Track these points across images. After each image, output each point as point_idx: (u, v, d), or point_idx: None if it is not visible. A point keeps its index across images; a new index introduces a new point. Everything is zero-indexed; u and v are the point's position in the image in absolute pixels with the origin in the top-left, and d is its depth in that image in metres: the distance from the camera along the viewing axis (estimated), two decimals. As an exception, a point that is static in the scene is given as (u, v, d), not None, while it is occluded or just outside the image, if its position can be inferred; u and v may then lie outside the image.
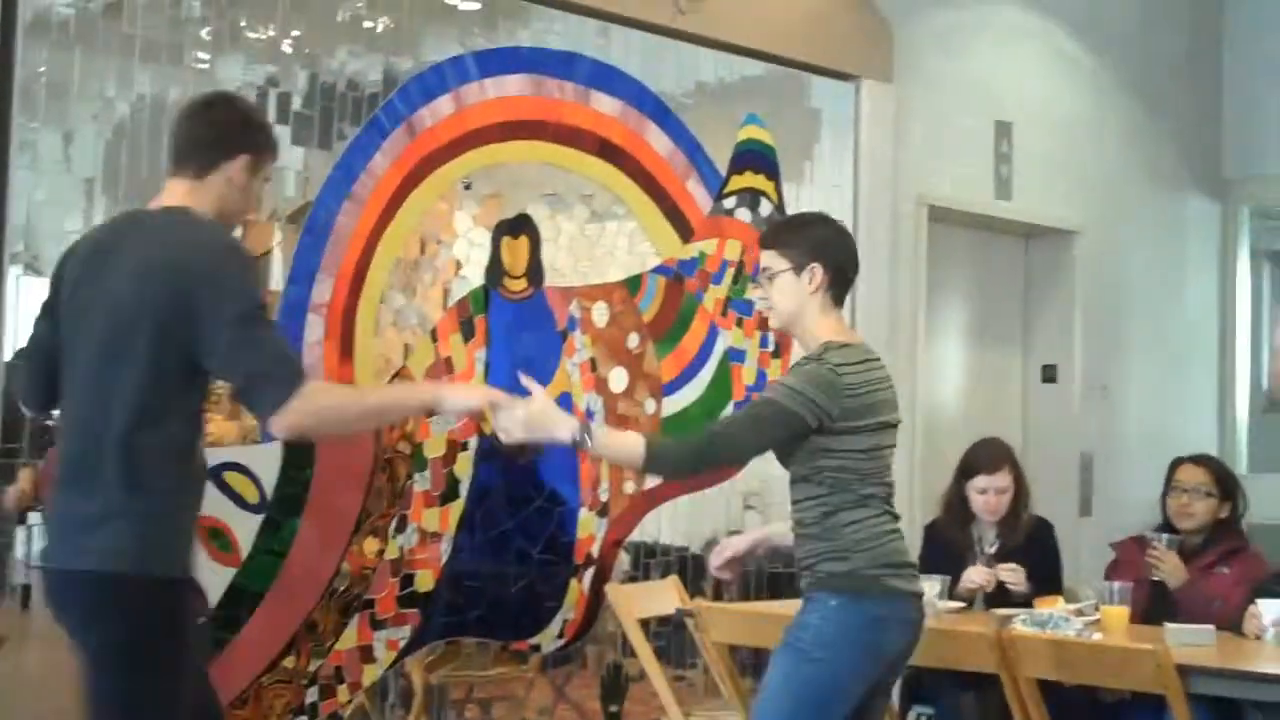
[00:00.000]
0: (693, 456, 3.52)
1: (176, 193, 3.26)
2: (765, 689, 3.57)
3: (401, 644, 4.91)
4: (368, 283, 4.82)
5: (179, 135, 3.33)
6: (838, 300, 3.66)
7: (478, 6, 5.30)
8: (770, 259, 3.66)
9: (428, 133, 4.98)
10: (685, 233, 5.71)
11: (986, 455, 5.30)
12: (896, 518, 3.63)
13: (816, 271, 3.60)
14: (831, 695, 3.50)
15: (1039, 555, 5.23)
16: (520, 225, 5.25)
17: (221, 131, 3.30)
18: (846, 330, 3.69)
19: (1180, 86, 8.17)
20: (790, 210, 5.95)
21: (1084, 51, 7.58)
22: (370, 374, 4.81)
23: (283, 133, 4.49)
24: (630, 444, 3.49)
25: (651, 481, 5.43)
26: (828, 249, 3.64)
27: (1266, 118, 8.00)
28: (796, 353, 3.88)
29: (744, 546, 3.98)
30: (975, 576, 5.12)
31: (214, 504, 4.17)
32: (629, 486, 5.46)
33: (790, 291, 3.62)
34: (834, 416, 3.47)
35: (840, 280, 3.65)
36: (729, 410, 5.67)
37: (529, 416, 3.40)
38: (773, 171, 6.02)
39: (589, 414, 5.29)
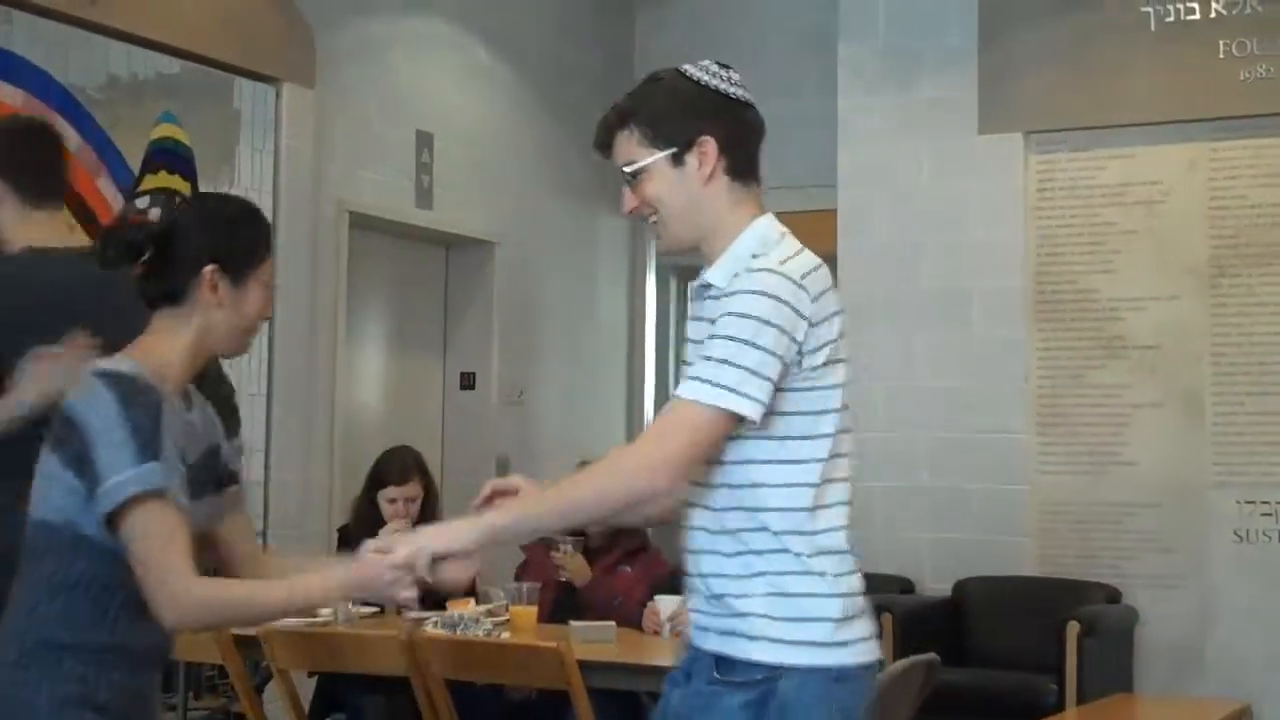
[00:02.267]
0: None
1: None
2: None
3: None
4: None
5: None
6: None
7: None
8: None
9: None
10: (94, 232, 5.49)
11: (395, 465, 5.36)
12: None
13: None
14: None
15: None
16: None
17: None
18: None
19: (594, 103, 8.44)
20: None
21: (503, 65, 7.77)
22: None
23: None
24: None
25: None
26: None
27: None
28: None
29: None
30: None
31: None
32: None
33: None
34: None
35: None
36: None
37: None
38: (189, 171, 5.85)
39: None
